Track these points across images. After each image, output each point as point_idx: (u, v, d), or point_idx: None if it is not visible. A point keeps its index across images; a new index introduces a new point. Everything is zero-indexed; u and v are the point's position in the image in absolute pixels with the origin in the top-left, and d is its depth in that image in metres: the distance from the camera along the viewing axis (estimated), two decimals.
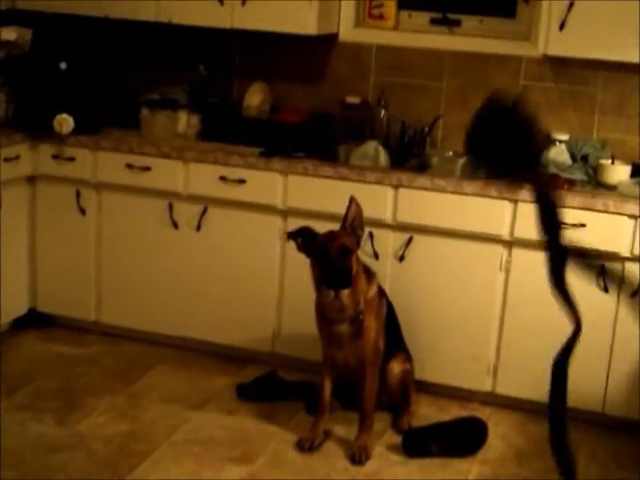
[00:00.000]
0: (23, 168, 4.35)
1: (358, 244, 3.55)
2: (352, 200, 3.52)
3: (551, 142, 4.20)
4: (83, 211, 4.40)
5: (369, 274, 3.66)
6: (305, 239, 3.55)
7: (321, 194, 4.04)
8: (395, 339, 3.82)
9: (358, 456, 3.55)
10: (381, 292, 3.74)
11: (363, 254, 3.98)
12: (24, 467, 3.38)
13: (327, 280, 3.47)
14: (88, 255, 4.46)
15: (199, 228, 4.25)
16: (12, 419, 3.73)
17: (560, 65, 4.22)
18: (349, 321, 3.54)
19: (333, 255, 3.45)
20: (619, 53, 3.86)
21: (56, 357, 4.35)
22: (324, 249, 3.46)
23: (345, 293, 3.48)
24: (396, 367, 3.80)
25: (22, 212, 4.44)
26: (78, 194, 4.38)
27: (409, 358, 3.88)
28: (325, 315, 3.60)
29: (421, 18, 4.52)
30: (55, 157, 4.37)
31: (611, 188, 3.86)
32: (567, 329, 3.88)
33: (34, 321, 4.63)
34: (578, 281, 3.82)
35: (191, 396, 4.02)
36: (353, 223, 3.51)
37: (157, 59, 4.69)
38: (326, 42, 4.49)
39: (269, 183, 4.09)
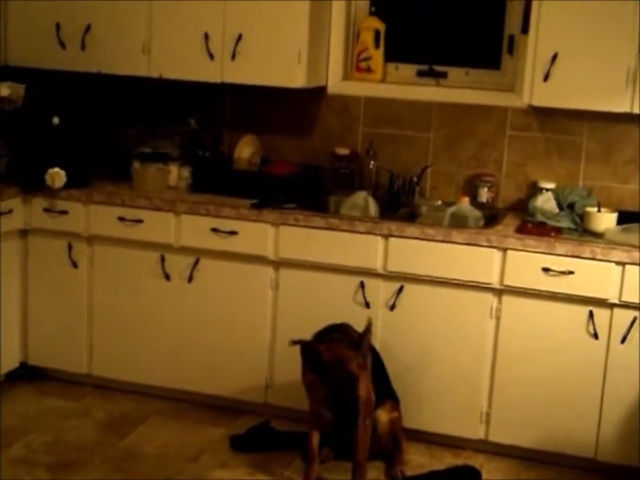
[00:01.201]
0: (15, 222, 4.37)
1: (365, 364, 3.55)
2: (370, 323, 3.55)
3: (537, 190, 4.27)
4: (75, 264, 4.42)
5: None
6: (307, 352, 3.55)
7: (312, 244, 4.07)
8: (382, 387, 3.83)
9: None
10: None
11: (355, 303, 4.03)
12: None
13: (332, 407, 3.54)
14: (80, 308, 4.47)
15: (190, 279, 4.27)
16: (6, 473, 3.71)
17: (545, 115, 4.30)
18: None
19: (338, 384, 3.47)
20: (602, 103, 3.94)
21: (48, 410, 4.33)
22: (329, 372, 3.48)
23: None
24: (384, 415, 3.80)
25: (14, 265, 4.45)
26: (70, 247, 4.41)
27: (396, 406, 3.89)
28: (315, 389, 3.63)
29: (408, 70, 4.60)
30: (47, 210, 4.40)
31: (598, 235, 3.90)
32: (559, 375, 3.94)
33: (26, 374, 4.63)
34: (568, 326, 3.89)
35: (184, 448, 4.02)
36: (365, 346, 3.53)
37: (148, 113, 4.75)
38: (315, 95, 4.57)
39: (260, 234, 4.13)
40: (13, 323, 4.49)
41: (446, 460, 3.99)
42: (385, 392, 3.87)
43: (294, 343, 3.57)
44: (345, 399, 3.55)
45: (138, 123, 4.69)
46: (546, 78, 3.96)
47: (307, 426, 3.73)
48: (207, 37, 4.30)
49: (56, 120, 4.35)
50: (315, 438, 3.69)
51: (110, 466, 3.83)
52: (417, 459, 3.99)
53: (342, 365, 3.46)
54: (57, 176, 4.28)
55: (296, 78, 4.27)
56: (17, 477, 3.68)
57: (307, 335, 3.64)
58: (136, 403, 4.43)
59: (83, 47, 4.47)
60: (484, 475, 3.76)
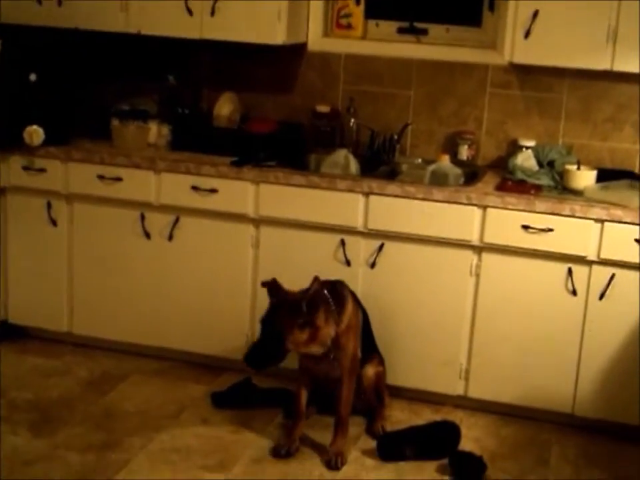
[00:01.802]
0: None
1: (309, 321, 3.46)
2: (315, 279, 3.48)
3: (517, 148, 4.28)
4: (54, 222, 4.40)
5: (341, 299, 3.63)
6: (274, 294, 3.54)
7: (293, 202, 4.07)
8: (369, 344, 3.86)
9: (334, 462, 3.58)
10: (356, 302, 3.77)
11: (336, 261, 4.03)
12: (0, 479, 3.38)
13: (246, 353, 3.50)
14: (60, 266, 4.46)
15: (171, 238, 4.26)
16: None
17: (525, 73, 4.30)
18: (323, 354, 3.58)
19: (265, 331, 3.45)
20: (583, 61, 3.93)
21: (29, 369, 4.34)
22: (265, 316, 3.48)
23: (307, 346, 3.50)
24: (370, 370, 3.84)
25: None
26: (49, 205, 4.38)
27: (381, 361, 3.92)
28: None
29: (389, 27, 4.57)
30: (26, 168, 4.36)
31: (577, 193, 3.92)
32: (537, 331, 3.98)
33: (6, 333, 4.62)
34: (547, 283, 3.93)
35: (165, 405, 4.04)
36: (312, 302, 3.44)
37: (127, 69, 4.71)
38: (295, 52, 4.53)
39: (240, 192, 4.12)
40: None
41: (425, 416, 4.03)
42: (372, 348, 3.90)
43: (264, 284, 3.60)
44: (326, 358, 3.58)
45: (116, 79, 4.65)
46: (527, 35, 3.94)
47: (295, 381, 3.76)
48: None
49: (33, 76, 4.30)
50: (303, 396, 3.72)
51: (91, 423, 3.84)
52: (397, 415, 4.03)
53: (283, 312, 3.45)
54: (35, 133, 4.25)
55: (276, 34, 4.23)
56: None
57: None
58: (117, 361, 4.44)
59: (60, 2, 4.40)
60: (463, 431, 3.80)
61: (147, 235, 4.29)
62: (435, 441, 3.71)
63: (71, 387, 4.18)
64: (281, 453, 3.64)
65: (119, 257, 4.37)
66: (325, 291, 3.55)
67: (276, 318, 3.45)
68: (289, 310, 3.43)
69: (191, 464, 3.56)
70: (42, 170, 4.35)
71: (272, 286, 3.54)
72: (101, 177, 4.27)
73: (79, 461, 3.54)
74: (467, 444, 3.77)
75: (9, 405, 3.96)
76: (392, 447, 3.67)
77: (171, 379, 4.29)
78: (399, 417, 4.02)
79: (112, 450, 3.63)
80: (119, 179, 4.25)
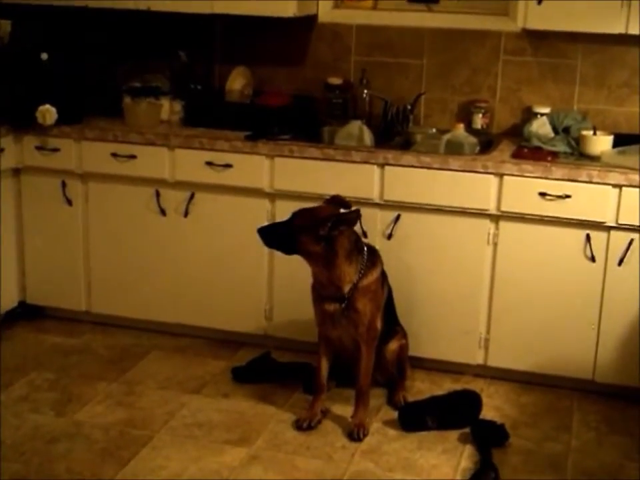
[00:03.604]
0: (7, 160, 4.34)
1: (331, 237, 3.46)
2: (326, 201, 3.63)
3: (532, 115, 4.25)
4: (69, 202, 4.40)
5: (373, 262, 3.64)
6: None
7: (308, 175, 4.06)
8: (393, 320, 3.86)
9: (356, 433, 3.59)
10: (383, 276, 3.75)
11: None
12: (24, 459, 3.39)
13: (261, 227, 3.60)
14: (76, 245, 4.47)
15: (186, 214, 4.26)
16: (10, 411, 3.74)
17: (539, 39, 4.26)
18: (339, 301, 3.57)
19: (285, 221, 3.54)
20: (597, 25, 3.90)
21: (49, 348, 4.36)
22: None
23: (325, 272, 3.52)
24: (393, 345, 3.84)
25: (8, 204, 4.43)
26: (64, 184, 4.38)
27: (404, 334, 3.92)
28: (316, 290, 3.64)
29: None
30: (39, 148, 4.36)
31: (594, 158, 3.90)
32: (556, 298, 3.98)
33: (25, 313, 4.64)
34: (565, 250, 3.91)
35: (186, 381, 4.05)
36: (324, 222, 3.45)
37: (138, 46, 4.69)
38: (305, 24, 4.51)
39: (255, 167, 4.11)
40: (10, 262, 4.49)
41: (445, 385, 4.03)
42: (395, 322, 3.90)
43: None
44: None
45: (128, 57, 4.64)
46: (540, 0, 3.90)
47: (316, 353, 3.75)
48: None
49: (44, 56, 4.30)
50: (324, 367, 3.72)
51: (113, 401, 3.86)
52: (417, 385, 4.03)
53: (303, 213, 3.54)
54: (47, 113, 4.24)
55: (287, 7, 4.21)
56: (21, 415, 3.71)
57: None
58: (136, 339, 4.46)
59: None
60: (484, 399, 3.80)
61: (163, 212, 4.29)
62: (457, 410, 3.71)
63: (91, 365, 4.20)
64: (303, 425, 3.65)
65: (134, 235, 4.37)
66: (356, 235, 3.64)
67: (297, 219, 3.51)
68: (311, 219, 3.50)
69: (213, 438, 3.58)
70: (56, 149, 4.35)
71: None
72: (114, 155, 4.26)
73: (102, 438, 3.56)
74: (488, 412, 3.78)
75: (29, 384, 3.98)
76: (413, 417, 3.67)
77: (191, 355, 4.30)
78: (420, 387, 4.02)
79: (134, 426, 3.65)
80: (132, 157, 4.25)
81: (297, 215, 3.53)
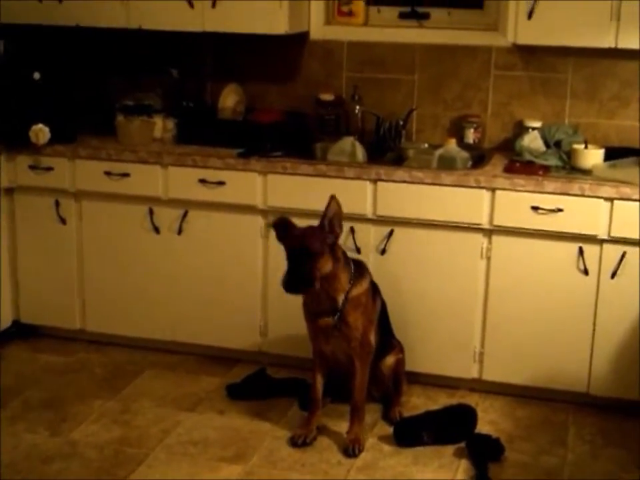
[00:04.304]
0: (0, 180, 4.34)
1: (335, 243, 3.51)
2: (332, 198, 3.50)
3: (524, 129, 4.27)
4: (63, 220, 4.41)
5: (361, 273, 3.66)
6: (282, 230, 3.56)
7: (301, 192, 4.06)
8: (388, 335, 3.87)
9: (351, 449, 3.59)
10: (375, 290, 3.76)
11: (345, 249, 4.02)
12: (20, 478, 3.39)
13: (283, 281, 3.45)
14: (70, 264, 4.47)
15: (180, 231, 4.27)
16: (5, 430, 3.73)
17: (529, 53, 4.29)
18: (330, 315, 3.57)
19: (294, 257, 3.44)
20: (587, 39, 3.91)
21: (44, 367, 4.35)
22: (290, 246, 3.48)
23: (316, 289, 3.49)
24: (390, 360, 3.84)
25: (2, 224, 4.44)
26: (57, 203, 4.39)
27: (401, 348, 3.92)
28: (308, 307, 3.64)
29: (390, 13, 4.56)
30: (33, 167, 4.37)
31: (586, 172, 3.91)
32: (550, 312, 3.99)
33: (19, 332, 4.64)
34: (558, 263, 3.92)
35: (181, 399, 4.05)
36: (332, 222, 3.48)
37: (130, 64, 4.71)
38: (297, 41, 4.52)
39: (248, 184, 4.12)
40: (4, 281, 4.49)
41: (441, 400, 4.03)
42: (391, 336, 3.91)
43: (272, 224, 3.63)
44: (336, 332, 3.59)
45: (120, 75, 4.65)
46: (530, 15, 3.93)
47: (310, 369, 3.75)
48: None
49: (37, 75, 4.31)
50: (319, 383, 3.72)
51: (108, 419, 3.85)
52: (413, 401, 4.03)
53: (304, 236, 3.46)
54: (40, 132, 4.25)
55: (278, 24, 4.22)
56: (16, 434, 3.70)
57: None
58: (131, 356, 4.45)
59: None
60: (479, 414, 3.80)
61: (156, 230, 4.29)
62: (452, 424, 3.71)
63: (85, 383, 4.19)
64: (298, 442, 3.65)
65: (128, 253, 4.38)
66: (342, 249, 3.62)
67: (305, 243, 3.44)
68: (314, 234, 3.46)
69: (209, 456, 3.58)
70: (49, 168, 4.35)
71: (281, 223, 3.55)
72: (108, 173, 4.27)
73: (97, 457, 3.55)
74: (483, 427, 3.78)
75: (24, 404, 3.97)
76: (409, 433, 3.67)
77: (185, 373, 4.30)
78: (415, 402, 4.02)
79: (130, 445, 3.65)
80: (126, 175, 4.26)
81: (303, 242, 3.44)
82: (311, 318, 3.65)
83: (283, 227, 3.56)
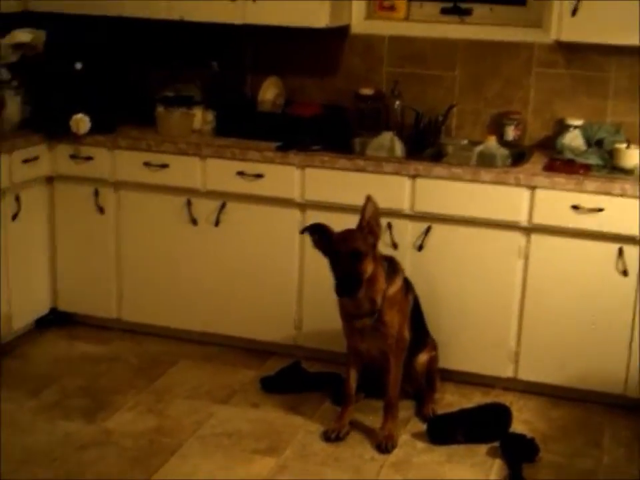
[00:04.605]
0: (41, 169, 4.39)
1: (375, 244, 3.51)
2: (368, 199, 3.49)
3: (565, 127, 4.23)
4: (101, 210, 4.44)
5: (394, 269, 3.65)
6: (319, 236, 3.55)
7: (339, 186, 4.06)
8: (421, 330, 3.86)
9: (384, 445, 3.58)
10: (407, 286, 3.75)
11: (383, 245, 4.01)
12: (55, 465, 3.42)
13: (336, 286, 3.45)
14: (108, 253, 4.50)
15: (217, 223, 4.28)
16: (41, 417, 3.77)
17: (572, 51, 4.24)
18: (368, 316, 3.57)
19: (343, 260, 3.44)
20: (632, 37, 3.86)
21: (80, 355, 4.39)
22: (336, 250, 3.46)
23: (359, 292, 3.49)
24: (423, 357, 3.84)
25: (41, 212, 4.48)
26: (96, 193, 4.42)
27: (434, 346, 3.92)
28: (344, 309, 3.63)
29: (432, 8, 4.53)
30: (73, 156, 4.40)
31: (627, 172, 3.87)
32: (588, 312, 3.94)
33: (56, 320, 4.68)
34: (597, 264, 3.88)
35: (215, 390, 4.06)
36: (370, 222, 3.48)
37: (171, 56, 4.72)
38: (338, 34, 4.51)
39: (286, 177, 4.12)
40: (42, 269, 4.53)
41: (475, 398, 4.01)
42: (425, 334, 3.90)
43: (304, 230, 3.61)
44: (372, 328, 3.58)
45: (161, 66, 4.67)
46: (574, 12, 3.89)
47: (344, 364, 3.76)
48: None
49: (78, 65, 4.34)
50: (353, 378, 3.72)
51: (143, 409, 3.88)
52: (447, 398, 4.02)
53: (348, 239, 3.45)
54: (81, 122, 4.28)
55: (319, 18, 4.21)
56: (52, 421, 3.74)
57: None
58: (166, 347, 4.47)
59: None
60: (513, 413, 3.77)
61: (194, 221, 4.30)
62: (486, 423, 3.70)
63: (121, 372, 4.22)
64: (331, 437, 3.65)
65: (166, 244, 4.40)
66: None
67: (352, 246, 3.43)
68: (358, 236, 3.46)
69: (242, 448, 3.59)
70: (89, 158, 4.38)
71: (317, 229, 3.54)
72: (147, 164, 4.29)
73: (132, 446, 3.57)
74: (517, 426, 3.76)
75: (60, 391, 4.01)
76: (443, 430, 3.66)
77: (220, 364, 4.31)
78: (449, 399, 4.00)
79: (164, 435, 3.67)
80: (165, 166, 4.27)
81: (350, 245, 3.43)
82: (348, 319, 3.64)
83: (320, 233, 3.55)
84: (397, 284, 3.64)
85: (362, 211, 3.49)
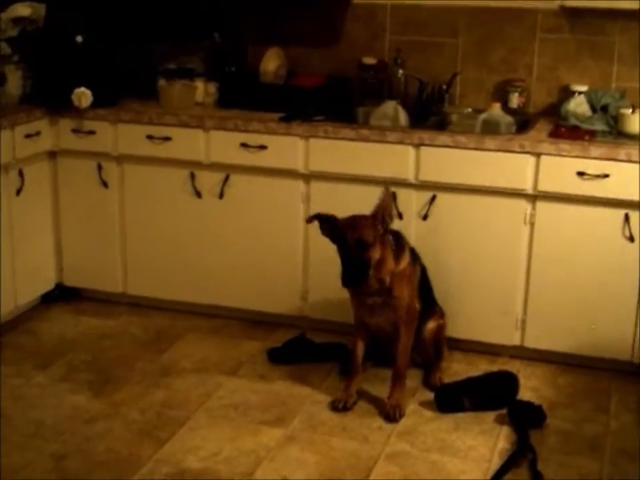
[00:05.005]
0: (43, 143, 4.37)
1: (384, 233, 3.49)
2: (386, 188, 3.50)
3: (570, 94, 4.20)
4: (105, 184, 4.42)
5: (401, 245, 3.64)
6: (327, 224, 3.53)
7: (343, 156, 4.04)
8: (429, 299, 3.85)
9: (392, 414, 3.58)
10: (414, 257, 3.74)
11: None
12: (64, 438, 3.42)
13: (343, 275, 3.44)
14: (112, 227, 4.49)
15: (221, 196, 4.26)
16: (49, 391, 3.78)
17: (577, 16, 4.20)
18: (377, 294, 3.57)
19: (350, 249, 3.42)
20: (636, 1, 3.83)
21: (86, 330, 4.39)
22: (343, 238, 3.44)
23: (374, 272, 3.47)
24: (431, 325, 3.84)
25: (45, 187, 4.46)
26: (100, 167, 4.40)
27: (442, 314, 3.92)
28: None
29: None
30: (75, 131, 4.38)
31: (633, 137, 3.84)
32: (594, 279, 3.92)
33: (62, 295, 4.68)
34: (603, 230, 3.86)
35: (222, 362, 4.06)
36: (384, 213, 3.47)
37: (172, 28, 4.69)
38: (339, 3, 4.48)
39: (290, 148, 4.10)
40: (47, 244, 4.53)
41: (482, 366, 4.01)
42: (433, 303, 3.89)
43: (310, 219, 3.59)
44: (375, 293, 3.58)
45: (162, 38, 4.64)
46: None
47: (352, 335, 3.76)
48: None
49: (79, 38, 4.32)
50: (360, 349, 3.72)
51: (150, 382, 3.88)
52: (454, 367, 4.02)
53: (355, 228, 3.43)
54: (83, 96, 4.26)
55: None
56: (60, 396, 3.75)
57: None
58: (172, 320, 4.48)
59: None
60: (520, 381, 3.77)
61: (198, 194, 4.29)
62: (493, 391, 3.69)
63: (127, 346, 4.22)
64: (339, 406, 3.65)
65: (170, 217, 4.39)
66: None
67: (359, 236, 3.42)
68: (367, 225, 3.43)
69: (249, 419, 3.59)
70: (91, 132, 4.37)
71: (324, 218, 3.52)
72: (150, 137, 4.27)
73: (139, 419, 3.58)
74: (524, 394, 3.75)
75: (67, 365, 4.02)
76: (450, 399, 3.66)
77: (226, 337, 4.31)
78: (456, 368, 4.00)
79: (171, 407, 3.67)
80: (168, 139, 4.26)
81: (356, 234, 3.41)
82: (357, 296, 3.64)
83: (327, 221, 3.53)
84: (405, 260, 3.63)
85: (379, 200, 3.47)
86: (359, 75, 4.50)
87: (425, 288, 3.81)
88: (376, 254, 3.45)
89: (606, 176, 3.72)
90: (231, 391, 3.81)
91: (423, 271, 3.82)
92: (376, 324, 3.68)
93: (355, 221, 3.48)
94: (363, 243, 3.42)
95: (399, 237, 3.68)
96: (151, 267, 4.49)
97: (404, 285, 3.60)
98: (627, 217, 3.75)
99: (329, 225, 3.52)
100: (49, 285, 4.60)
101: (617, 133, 3.91)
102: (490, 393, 3.68)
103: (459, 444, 3.44)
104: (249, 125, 4.13)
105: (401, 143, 3.96)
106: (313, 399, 3.75)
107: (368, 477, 3.23)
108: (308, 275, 4.25)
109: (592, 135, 3.86)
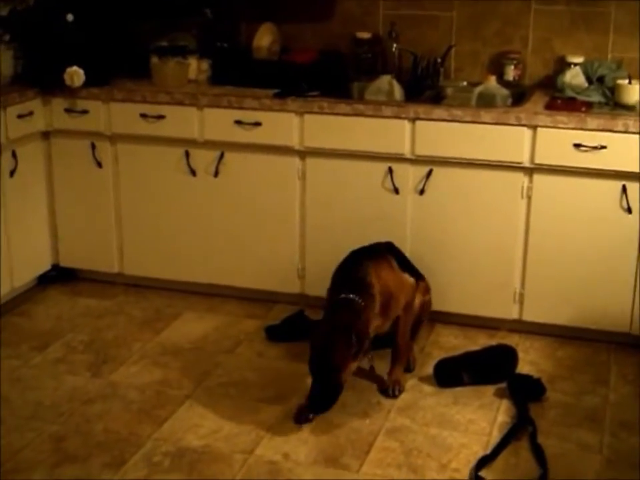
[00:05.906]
0: (36, 123, 4.34)
1: (358, 352, 3.30)
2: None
3: (565, 65, 4.17)
4: (99, 164, 4.40)
5: (367, 293, 3.43)
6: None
7: (338, 131, 4.01)
8: (412, 272, 3.77)
9: (392, 390, 3.58)
10: (387, 250, 3.72)
11: (384, 190, 3.99)
12: (62, 419, 3.41)
13: (310, 400, 3.34)
14: (107, 207, 4.47)
15: (216, 174, 4.24)
16: (47, 372, 3.77)
17: None
18: None
19: (318, 374, 3.30)
20: None
21: (83, 311, 4.38)
22: (312, 359, 3.32)
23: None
24: (417, 299, 3.75)
25: (38, 168, 4.44)
26: (93, 146, 4.37)
27: (427, 289, 3.85)
28: None
29: None
30: (68, 110, 4.35)
31: (630, 108, 3.82)
32: (592, 251, 3.90)
33: (58, 276, 4.66)
34: (601, 202, 3.84)
35: (220, 341, 4.06)
36: (360, 335, 3.31)
37: (164, 6, 4.64)
38: None
39: (284, 124, 4.07)
40: (42, 225, 4.51)
41: (480, 341, 4.00)
42: (417, 277, 3.84)
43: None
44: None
45: (154, 16, 4.59)
46: None
47: None
48: None
49: (70, 17, 4.27)
50: None
51: (149, 361, 3.87)
52: (451, 341, 4.02)
53: (325, 351, 3.30)
54: (75, 75, 4.22)
55: None
56: (58, 377, 3.74)
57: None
58: (169, 299, 4.46)
59: None
60: (519, 354, 3.77)
61: (193, 172, 4.27)
62: (492, 365, 3.69)
63: (125, 326, 4.21)
64: None
65: (165, 195, 4.36)
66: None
67: (326, 354, 3.30)
68: (339, 344, 3.28)
69: (249, 397, 3.59)
70: (84, 111, 4.33)
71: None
72: (143, 116, 4.24)
73: (138, 398, 3.57)
74: (524, 367, 3.76)
75: (65, 346, 4.00)
76: (449, 373, 3.66)
77: (224, 315, 4.30)
78: (454, 343, 4.00)
79: (170, 386, 3.66)
80: (161, 117, 4.22)
81: (323, 356, 3.28)
82: None
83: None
84: (376, 292, 3.46)
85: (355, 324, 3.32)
86: (353, 50, 4.46)
87: (405, 263, 3.74)
88: (352, 368, 3.32)
89: (603, 147, 3.70)
90: (230, 369, 3.81)
91: (397, 253, 3.75)
92: None
93: (325, 342, 3.31)
94: (333, 367, 3.28)
95: (361, 282, 3.45)
96: (147, 247, 4.47)
97: (391, 305, 3.52)
98: (624, 189, 3.74)
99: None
100: (44, 267, 4.58)
101: (613, 104, 3.89)
102: (489, 367, 3.68)
103: (459, 418, 3.44)
104: (243, 102, 4.10)
105: (396, 117, 3.93)
106: None
107: (368, 452, 3.23)
108: (305, 253, 4.23)
109: (588, 107, 3.84)
